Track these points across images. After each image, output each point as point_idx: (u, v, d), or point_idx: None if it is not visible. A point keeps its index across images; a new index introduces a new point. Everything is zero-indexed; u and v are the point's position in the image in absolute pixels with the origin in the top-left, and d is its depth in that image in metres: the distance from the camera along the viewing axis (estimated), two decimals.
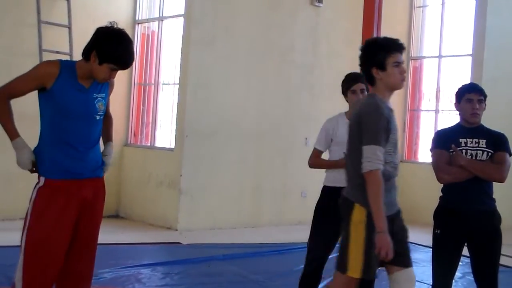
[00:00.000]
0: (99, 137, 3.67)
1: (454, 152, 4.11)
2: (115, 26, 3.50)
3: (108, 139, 3.86)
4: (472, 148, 4.15)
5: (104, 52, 3.39)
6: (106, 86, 3.62)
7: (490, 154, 4.16)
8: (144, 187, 9.41)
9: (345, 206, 3.57)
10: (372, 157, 3.39)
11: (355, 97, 4.52)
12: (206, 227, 8.88)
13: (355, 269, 3.45)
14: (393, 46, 3.59)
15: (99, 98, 3.56)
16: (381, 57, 3.55)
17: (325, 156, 4.73)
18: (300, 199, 9.82)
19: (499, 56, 10.20)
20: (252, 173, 9.48)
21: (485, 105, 4.31)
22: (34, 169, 3.52)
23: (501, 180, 4.15)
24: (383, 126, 3.45)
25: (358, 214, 3.47)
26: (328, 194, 4.52)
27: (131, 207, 9.63)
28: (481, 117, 4.26)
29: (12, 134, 3.48)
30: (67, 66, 3.48)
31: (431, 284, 4.31)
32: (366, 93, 4.54)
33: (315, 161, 4.69)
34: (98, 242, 3.71)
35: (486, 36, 10.04)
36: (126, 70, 3.80)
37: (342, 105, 4.74)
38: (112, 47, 3.40)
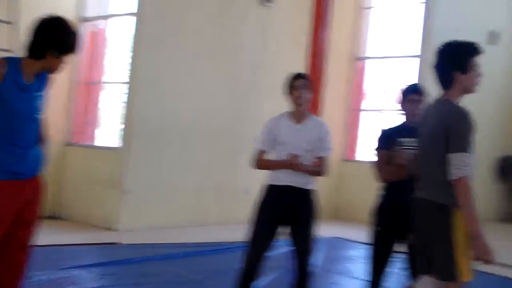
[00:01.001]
0: (38, 136, 3.59)
1: (395, 152, 4.17)
2: (54, 16, 3.45)
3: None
4: (414, 147, 4.14)
5: (63, 46, 3.40)
6: (44, 83, 3.54)
7: None
8: (86, 187, 9.20)
9: (440, 212, 3.43)
10: (460, 164, 3.34)
11: (297, 93, 4.50)
12: (149, 227, 8.73)
13: (467, 274, 3.36)
14: (476, 49, 3.53)
15: (39, 97, 3.50)
16: (464, 60, 3.49)
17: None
18: (245, 198, 9.71)
19: None
20: (198, 172, 9.40)
21: None
22: None
23: None
24: (470, 132, 3.40)
25: (459, 219, 3.37)
26: (272, 192, 4.48)
27: (72, 207, 9.39)
28: None
29: None
30: (12, 64, 3.39)
31: (367, 280, 4.36)
32: (308, 88, 4.52)
33: (262, 162, 4.60)
34: (35, 244, 3.64)
35: (433, 37, 10.17)
36: (70, 68, 3.76)
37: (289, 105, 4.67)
38: (68, 38, 3.42)
